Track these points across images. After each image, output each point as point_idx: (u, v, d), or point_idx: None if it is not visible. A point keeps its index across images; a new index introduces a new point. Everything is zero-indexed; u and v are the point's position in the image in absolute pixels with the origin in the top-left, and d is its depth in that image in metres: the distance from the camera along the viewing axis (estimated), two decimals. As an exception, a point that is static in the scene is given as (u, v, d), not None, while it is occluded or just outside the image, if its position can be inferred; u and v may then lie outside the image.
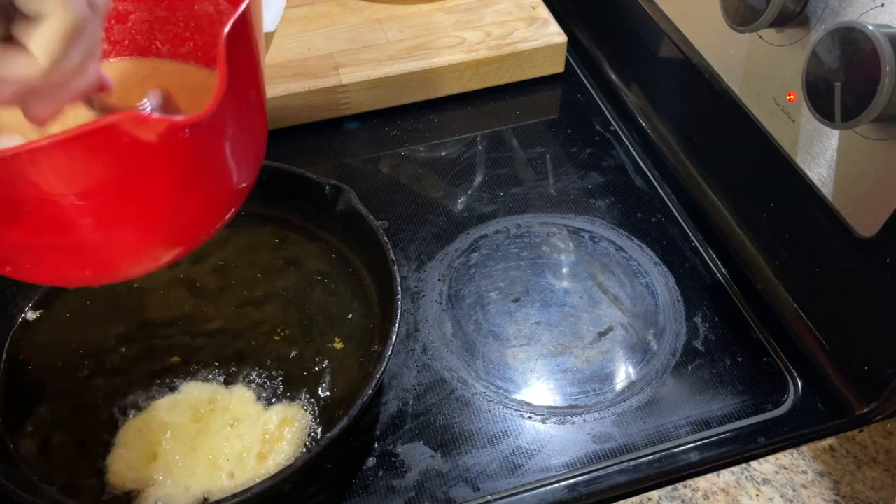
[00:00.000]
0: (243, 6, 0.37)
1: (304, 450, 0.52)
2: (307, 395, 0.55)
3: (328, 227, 0.65)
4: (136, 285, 0.62)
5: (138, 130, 0.33)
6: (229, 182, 0.41)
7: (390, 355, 0.53)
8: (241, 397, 0.55)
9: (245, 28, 0.38)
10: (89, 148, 0.33)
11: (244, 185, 0.43)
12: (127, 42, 0.51)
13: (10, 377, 0.57)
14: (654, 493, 0.51)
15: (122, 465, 0.51)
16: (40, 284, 0.59)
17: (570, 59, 0.85)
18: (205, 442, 0.52)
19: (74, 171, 0.34)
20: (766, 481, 0.52)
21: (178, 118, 0.33)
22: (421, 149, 0.77)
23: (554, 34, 0.81)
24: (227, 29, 0.35)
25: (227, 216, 0.42)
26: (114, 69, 0.51)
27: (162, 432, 0.52)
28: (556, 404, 0.57)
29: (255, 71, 0.41)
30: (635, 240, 0.68)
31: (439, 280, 0.65)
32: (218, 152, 0.38)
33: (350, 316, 0.60)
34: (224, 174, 0.40)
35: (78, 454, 0.52)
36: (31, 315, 0.60)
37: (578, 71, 0.86)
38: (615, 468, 0.53)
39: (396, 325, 0.54)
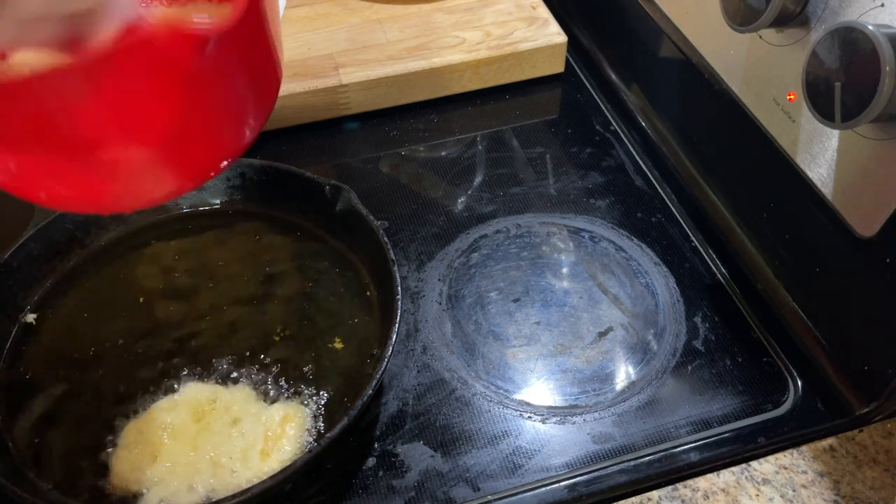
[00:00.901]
0: None
1: (307, 446, 0.52)
2: (308, 395, 0.55)
3: (328, 227, 0.65)
4: (137, 291, 0.62)
5: (170, 41, 0.33)
6: (245, 102, 0.42)
7: (390, 355, 0.53)
8: (242, 396, 0.55)
9: None
10: (115, 63, 0.33)
11: (258, 112, 0.43)
12: None
13: (10, 378, 0.57)
14: (654, 493, 0.51)
15: (124, 466, 0.51)
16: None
17: (570, 59, 0.85)
18: (207, 441, 0.52)
19: (101, 86, 0.34)
20: (766, 481, 0.52)
21: (210, 24, 0.34)
22: (421, 149, 0.77)
23: (554, 34, 0.81)
24: None
25: (244, 143, 0.42)
26: None
27: (163, 433, 0.52)
28: (556, 404, 0.57)
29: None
30: (635, 240, 0.68)
31: (439, 280, 0.65)
32: (237, 68, 0.39)
33: (350, 316, 0.60)
34: (243, 92, 0.41)
35: (79, 456, 0.52)
36: (30, 317, 0.60)
37: (578, 71, 0.86)
38: (615, 468, 0.53)
39: (396, 325, 0.54)
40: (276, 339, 0.59)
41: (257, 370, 0.56)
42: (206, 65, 0.36)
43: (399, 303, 0.55)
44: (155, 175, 0.40)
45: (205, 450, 0.52)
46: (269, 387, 0.56)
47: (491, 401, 0.57)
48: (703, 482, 0.52)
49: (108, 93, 0.35)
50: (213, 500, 0.49)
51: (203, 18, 0.34)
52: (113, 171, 0.38)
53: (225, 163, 0.42)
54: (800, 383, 0.58)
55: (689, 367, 0.59)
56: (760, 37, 0.57)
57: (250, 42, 0.40)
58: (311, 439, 0.53)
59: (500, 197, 0.72)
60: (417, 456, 0.54)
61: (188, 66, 0.36)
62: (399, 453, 0.54)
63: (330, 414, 0.54)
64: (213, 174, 0.43)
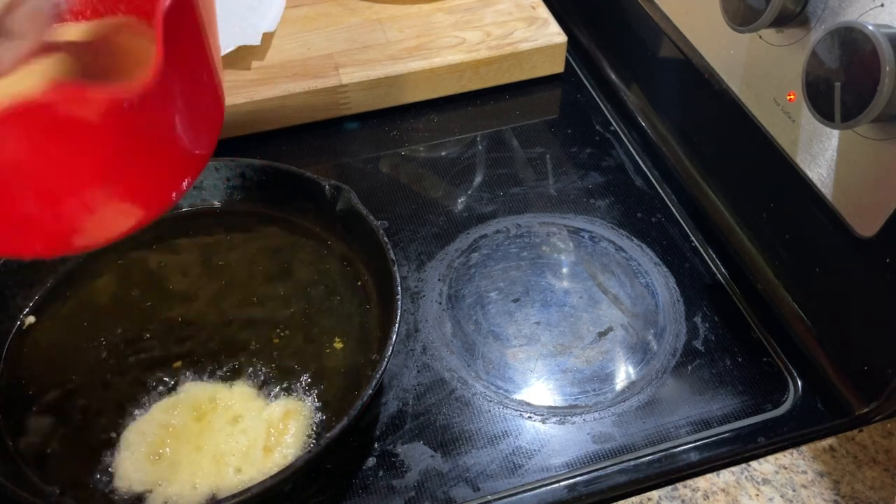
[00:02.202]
0: None
1: (309, 442, 0.52)
2: (308, 395, 0.55)
3: (328, 227, 0.65)
4: (136, 291, 0.62)
5: (73, 107, 0.33)
6: (179, 150, 0.41)
7: (390, 355, 0.53)
8: (242, 394, 0.55)
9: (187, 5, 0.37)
10: (24, 124, 0.33)
11: (197, 153, 0.42)
12: (89, 12, 0.50)
13: (11, 378, 0.56)
14: (654, 493, 0.52)
15: (127, 467, 0.51)
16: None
17: (570, 59, 0.85)
18: (209, 440, 0.52)
19: (8, 147, 0.34)
20: (766, 481, 0.52)
21: (114, 92, 0.34)
22: (421, 149, 0.77)
23: (554, 34, 0.81)
24: (164, 6, 0.35)
25: (184, 185, 0.42)
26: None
27: (165, 433, 0.52)
28: (556, 404, 0.57)
29: (201, 41, 0.40)
30: (635, 240, 0.68)
31: (439, 280, 0.65)
32: (163, 122, 0.39)
33: (350, 316, 0.60)
34: (171, 143, 0.40)
35: (82, 457, 0.52)
36: (30, 318, 0.60)
37: (578, 71, 0.86)
38: (615, 468, 0.54)
39: (396, 326, 0.54)
40: (276, 339, 0.59)
41: (257, 370, 0.56)
42: (129, 118, 0.36)
43: (399, 303, 0.55)
44: (93, 221, 0.39)
45: (207, 448, 0.52)
46: (270, 386, 0.56)
47: (491, 401, 0.57)
48: (703, 482, 0.52)
49: (20, 153, 0.34)
50: (219, 497, 0.49)
51: (120, 89, 0.34)
52: (43, 221, 0.38)
53: (174, 196, 0.41)
54: (800, 383, 0.58)
55: (689, 367, 0.59)
56: (760, 37, 0.57)
57: (182, 86, 0.39)
58: (312, 436, 0.53)
59: (500, 197, 0.72)
60: (417, 456, 0.54)
61: (104, 124, 0.35)
62: (399, 453, 0.54)
63: (330, 413, 0.54)
64: (164, 208, 0.42)
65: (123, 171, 0.38)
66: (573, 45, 0.85)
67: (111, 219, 0.40)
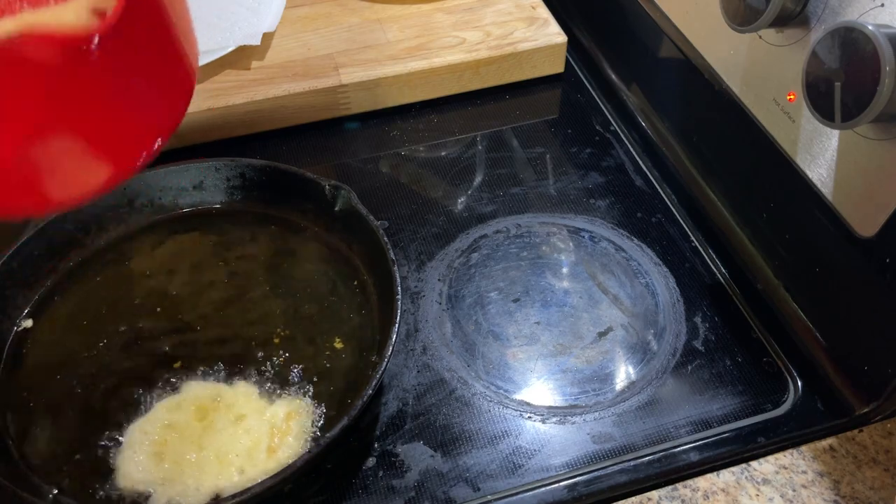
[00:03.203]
0: None
1: (310, 442, 0.52)
2: (308, 395, 0.55)
3: (328, 227, 0.65)
4: (136, 291, 0.62)
5: (36, 50, 0.32)
6: (147, 103, 0.40)
7: (390, 355, 0.53)
8: (244, 394, 0.55)
9: None
10: None
11: (167, 110, 0.41)
12: None
13: (11, 380, 0.56)
14: (654, 493, 0.52)
15: (130, 467, 0.51)
16: None
17: (570, 59, 0.85)
18: (211, 439, 0.52)
19: None
20: (766, 481, 0.52)
21: (77, 31, 0.33)
22: (421, 149, 0.77)
23: (554, 34, 0.82)
24: None
25: (154, 145, 0.40)
26: None
27: (167, 432, 0.52)
28: (556, 404, 0.57)
29: None
30: (635, 240, 0.68)
31: (439, 280, 0.65)
32: (128, 64, 0.37)
33: (350, 316, 0.60)
34: (139, 93, 0.39)
35: (84, 457, 0.52)
36: (27, 322, 0.59)
37: (578, 71, 0.86)
38: (615, 468, 0.54)
39: (396, 325, 0.54)
40: (277, 339, 0.59)
41: (258, 370, 0.56)
42: (88, 66, 0.34)
43: (399, 303, 0.55)
44: (59, 173, 0.37)
45: (210, 448, 0.52)
46: (271, 386, 0.56)
47: (491, 401, 0.57)
48: (703, 482, 0.52)
49: None
50: (221, 497, 0.49)
51: (72, 21, 0.33)
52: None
53: (144, 155, 0.40)
54: (800, 383, 0.58)
55: (689, 367, 0.59)
56: (760, 37, 0.57)
57: (141, 42, 0.38)
58: (313, 436, 0.53)
59: (500, 197, 0.72)
60: (417, 456, 0.54)
61: (61, 69, 0.34)
62: (399, 453, 0.54)
63: (330, 414, 0.54)
64: (134, 167, 0.40)
65: (88, 117, 0.36)
66: (573, 45, 0.85)
67: (77, 172, 0.38)
